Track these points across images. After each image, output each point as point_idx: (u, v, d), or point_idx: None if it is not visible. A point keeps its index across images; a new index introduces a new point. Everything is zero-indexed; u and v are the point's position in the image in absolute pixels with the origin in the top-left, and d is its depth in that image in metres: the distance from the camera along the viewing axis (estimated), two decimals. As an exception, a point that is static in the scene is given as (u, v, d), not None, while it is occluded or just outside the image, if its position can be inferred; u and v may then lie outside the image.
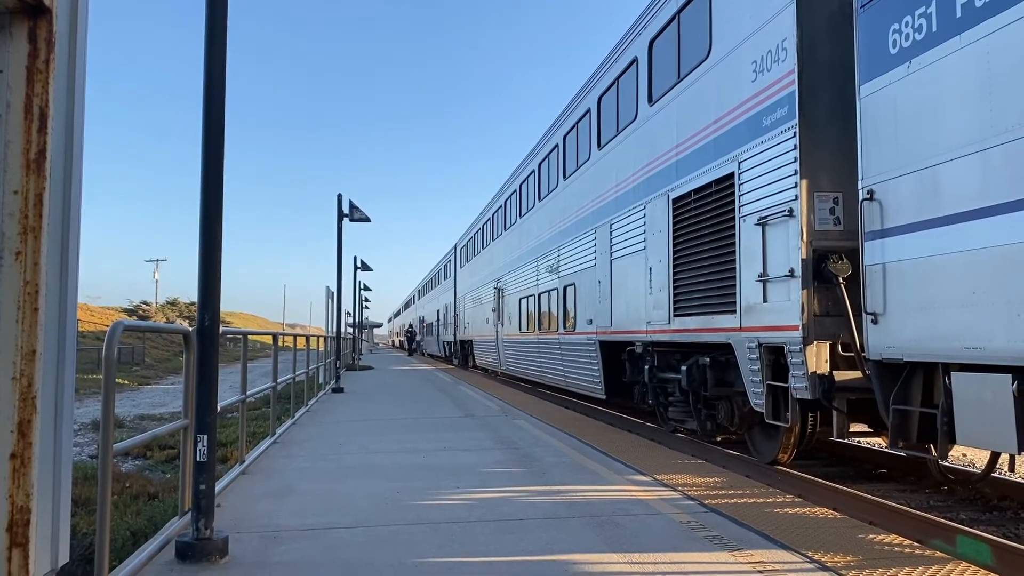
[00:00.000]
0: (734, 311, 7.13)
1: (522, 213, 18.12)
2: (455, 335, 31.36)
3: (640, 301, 9.63)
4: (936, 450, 4.94)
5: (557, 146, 14.57)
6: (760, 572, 3.75)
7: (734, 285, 7.14)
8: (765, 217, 6.57)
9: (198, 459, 4.12)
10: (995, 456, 5.62)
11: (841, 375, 5.96)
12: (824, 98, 6.25)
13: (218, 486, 5.27)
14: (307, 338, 14.72)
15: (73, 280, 2.26)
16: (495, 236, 22.11)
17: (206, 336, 4.18)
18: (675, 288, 8.53)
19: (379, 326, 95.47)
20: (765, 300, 6.59)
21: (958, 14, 4.56)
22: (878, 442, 8.31)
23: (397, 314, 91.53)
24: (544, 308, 15.51)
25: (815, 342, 6.01)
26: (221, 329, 4.49)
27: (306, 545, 4.28)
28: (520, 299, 17.93)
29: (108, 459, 3.42)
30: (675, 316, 8.51)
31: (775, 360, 6.63)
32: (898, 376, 5.22)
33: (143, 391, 29.01)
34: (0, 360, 1.80)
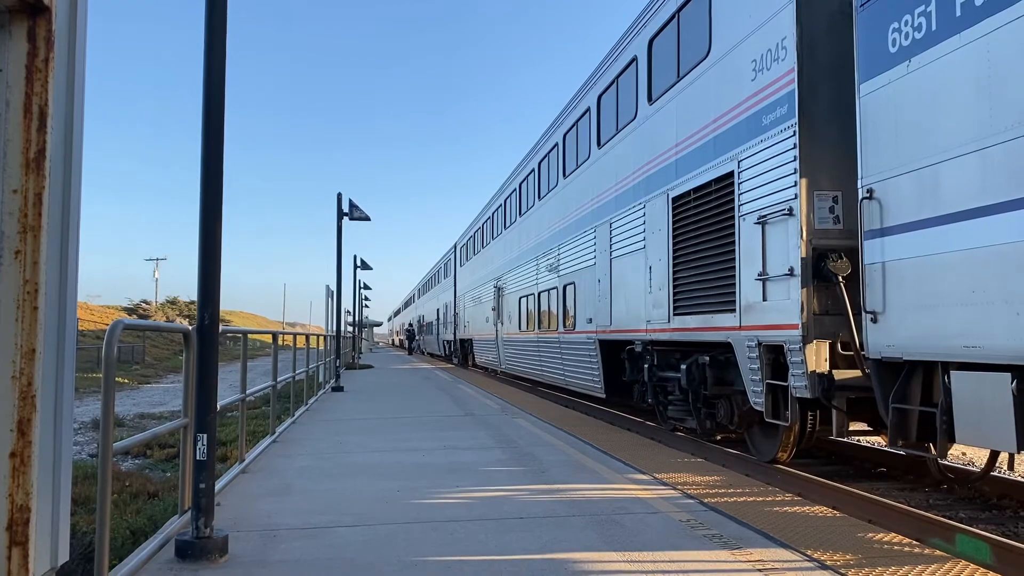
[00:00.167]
0: (734, 310, 7.13)
1: (522, 212, 18.12)
2: (455, 334, 31.37)
3: (640, 300, 9.64)
4: (935, 449, 4.94)
5: (557, 145, 14.57)
6: (760, 570, 3.75)
7: (734, 284, 7.14)
8: (765, 216, 6.57)
9: (198, 458, 4.12)
10: (994, 455, 5.62)
11: (840, 374, 5.97)
12: (824, 97, 6.25)
13: (218, 485, 5.27)
14: (307, 337, 14.73)
15: (73, 279, 2.26)
16: (495, 235, 22.11)
17: (206, 335, 4.19)
18: (675, 287, 8.53)
19: (379, 325, 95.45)
20: (765, 299, 6.60)
21: (958, 13, 4.56)
22: (877, 441, 8.32)
23: (397, 313, 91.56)
24: (544, 307, 15.51)
25: (815, 341, 6.01)
26: (221, 328, 4.49)
27: (306, 544, 4.28)
28: (520, 298, 17.93)
29: (108, 458, 3.42)
30: (675, 315, 8.51)
31: (775, 359, 6.63)
32: (897, 375, 5.23)
33: (143, 390, 29.02)
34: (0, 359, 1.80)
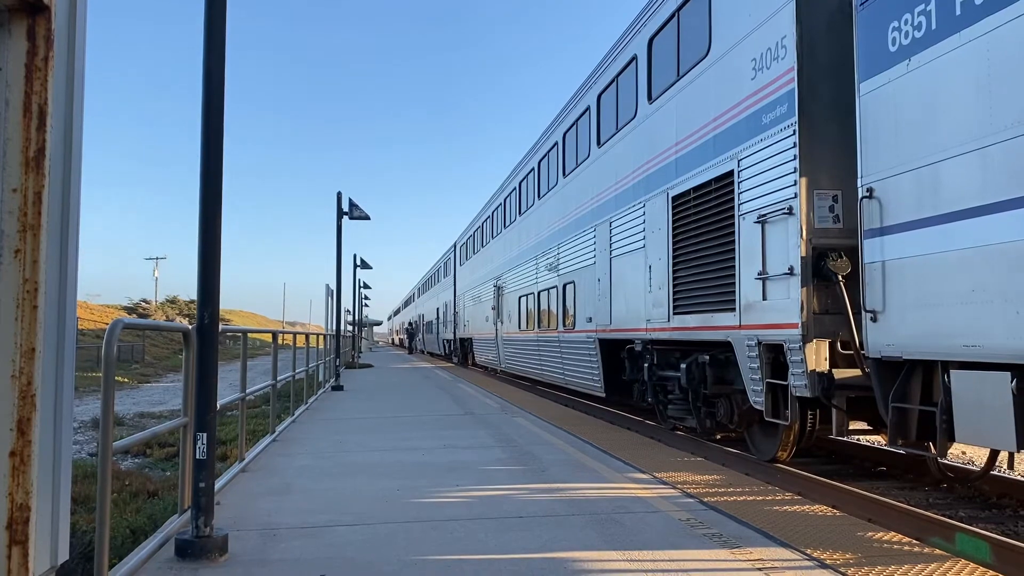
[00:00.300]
0: (733, 309, 7.13)
1: (522, 211, 18.11)
2: (455, 333, 31.37)
3: (639, 299, 9.64)
4: (935, 448, 4.94)
5: (556, 144, 14.56)
6: (759, 569, 3.75)
7: (733, 283, 7.14)
8: (765, 215, 6.57)
9: (198, 457, 4.12)
10: (994, 454, 5.62)
11: (840, 373, 5.97)
12: (823, 96, 6.25)
13: (218, 484, 5.28)
14: (307, 336, 14.73)
15: (72, 278, 2.26)
16: (495, 234, 22.10)
17: (206, 334, 4.19)
18: (674, 286, 8.53)
19: (379, 324, 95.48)
20: (764, 298, 6.59)
21: (958, 12, 4.56)
22: (877, 440, 8.32)
23: (397, 312, 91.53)
24: (544, 306, 15.51)
25: (814, 340, 6.01)
26: (221, 327, 4.49)
27: (306, 543, 4.29)
28: (520, 297, 17.93)
29: (108, 457, 3.42)
30: (674, 314, 8.51)
31: (774, 358, 6.63)
32: (897, 374, 5.23)
33: (143, 389, 29.03)
34: (-1, 358, 1.80)
